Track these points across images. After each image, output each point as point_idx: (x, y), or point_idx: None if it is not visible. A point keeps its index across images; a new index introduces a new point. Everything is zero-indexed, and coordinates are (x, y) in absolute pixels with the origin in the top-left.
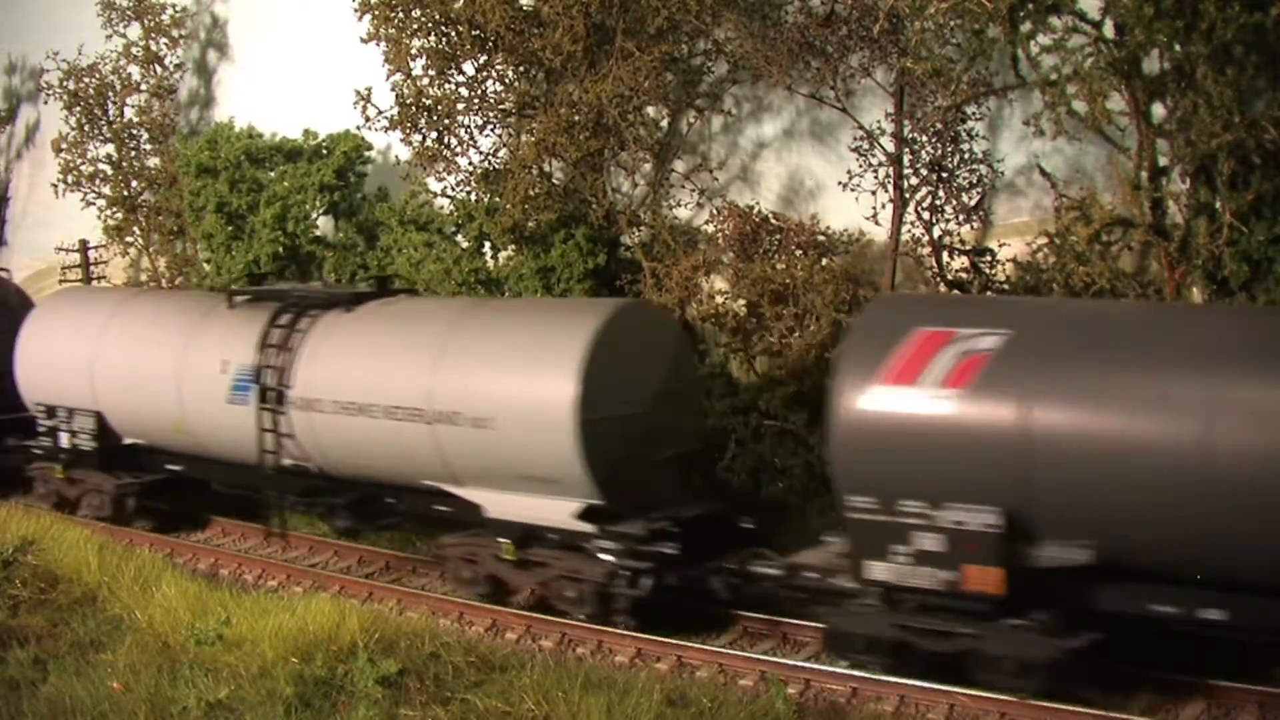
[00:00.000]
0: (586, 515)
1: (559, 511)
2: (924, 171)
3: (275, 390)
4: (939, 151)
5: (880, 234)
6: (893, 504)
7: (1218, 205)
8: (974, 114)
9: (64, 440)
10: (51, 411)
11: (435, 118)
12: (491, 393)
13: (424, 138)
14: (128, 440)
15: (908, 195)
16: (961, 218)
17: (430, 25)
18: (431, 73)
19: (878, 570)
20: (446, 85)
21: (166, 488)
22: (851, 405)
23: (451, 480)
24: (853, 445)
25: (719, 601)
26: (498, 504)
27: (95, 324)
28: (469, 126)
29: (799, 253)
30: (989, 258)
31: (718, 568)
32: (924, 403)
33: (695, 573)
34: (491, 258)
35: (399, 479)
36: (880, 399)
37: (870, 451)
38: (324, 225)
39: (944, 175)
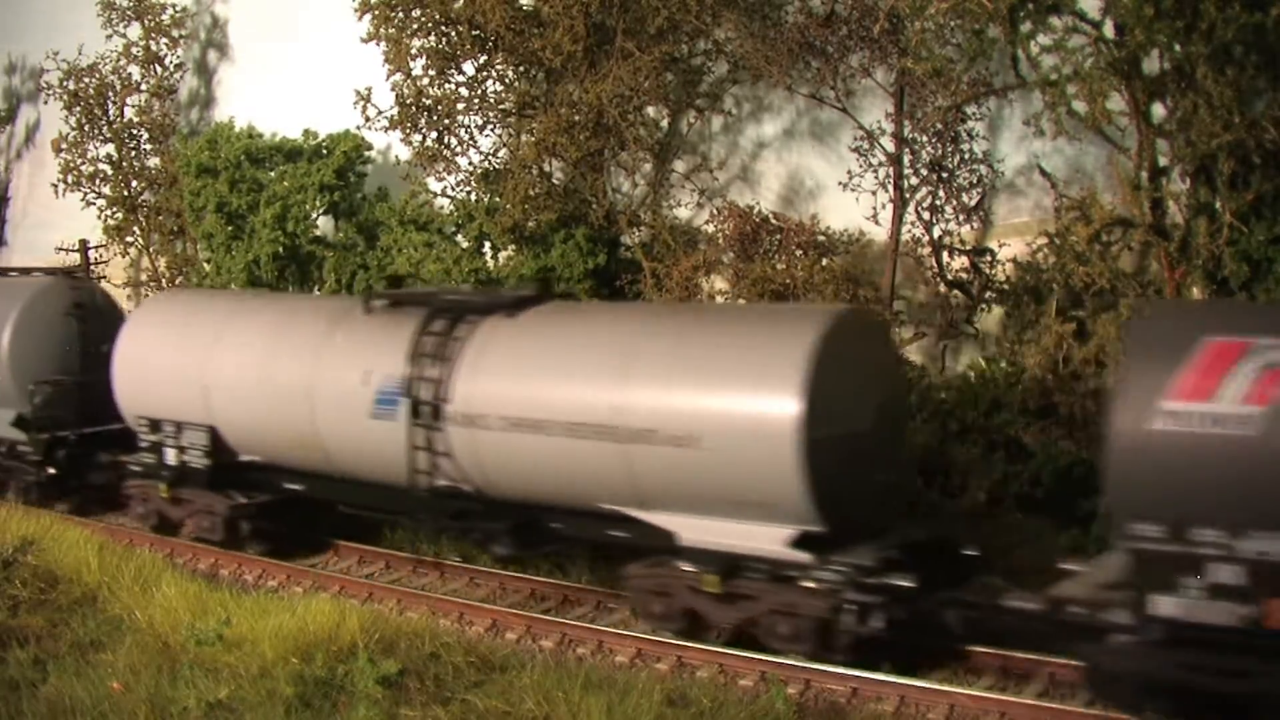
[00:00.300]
0: (800, 543)
1: (769, 539)
2: (924, 171)
3: (431, 405)
4: (939, 151)
5: (880, 234)
6: (1184, 532)
7: (1218, 205)
8: (974, 114)
9: (170, 457)
10: (156, 425)
11: (435, 118)
12: (696, 408)
13: (424, 138)
14: (244, 457)
15: (908, 195)
16: (961, 218)
17: (430, 25)
18: (431, 73)
19: (1164, 605)
20: (446, 85)
21: (282, 509)
22: (1136, 424)
23: (638, 504)
24: (1137, 468)
25: (951, 637)
26: (694, 530)
27: (208, 331)
28: (469, 126)
29: (799, 253)
30: (989, 258)
31: (952, 599)
32: (1222, 421)
33: (926, 605)
34: (491, 258)
35: (572, 502)
36: (1169, 417)
37: (1158, 475)
38: (324, 225)
39: (944, 175)
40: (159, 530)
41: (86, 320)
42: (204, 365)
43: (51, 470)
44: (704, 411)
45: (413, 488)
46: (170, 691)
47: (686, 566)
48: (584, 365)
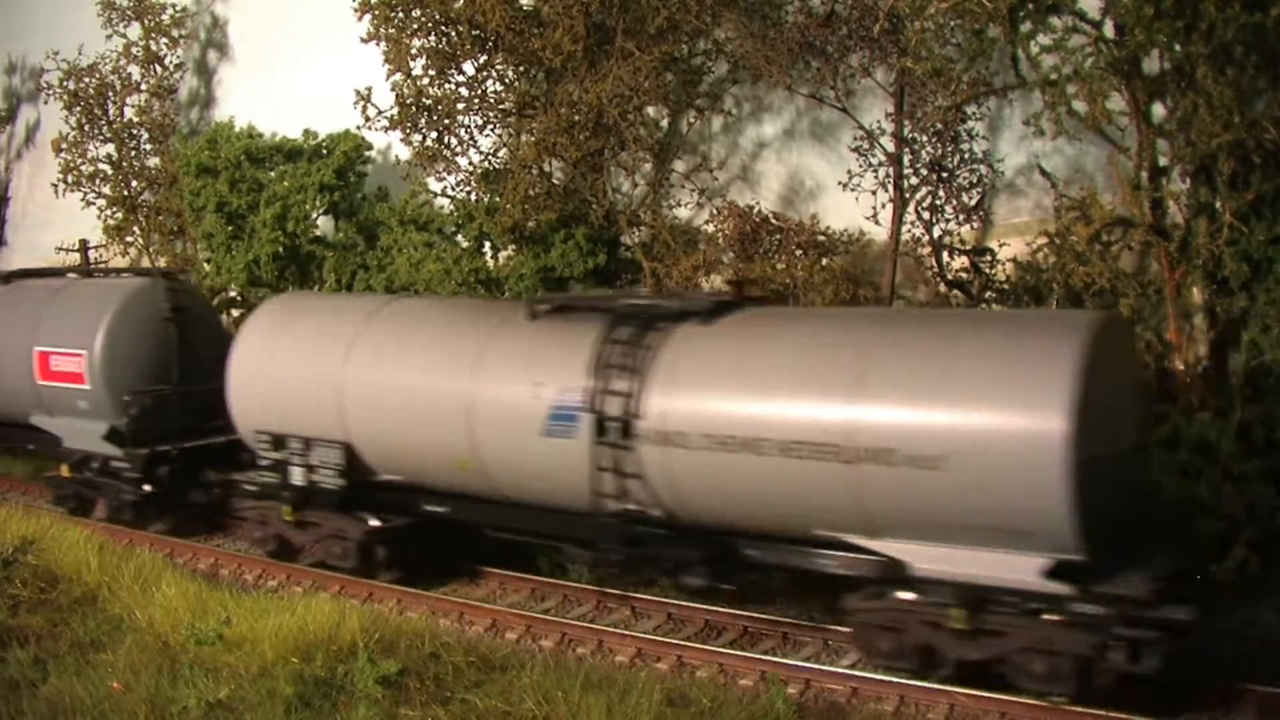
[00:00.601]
0: (1055, 572)
1: (1021, 568)
2: (924, 171)
3: (620, 421)
4: (939, 151)
5: (880, 234)
6: None
7: (1218, 205)
8: (974, 114)
9: (296, 476)
10: (279, 442)
11: (435, 118)
12: (942, 426)
13: (424, 138)
14: (383, 477)
15: (908, 195)
16: (961, 218)
17: (430, 25)
18: (431, 73)
19: None
20: (446, 85)
21: (420, 533)
22: None
23: (864, 530)
24: None
25: (1229, 674)
26: (931, 560)
27: (342, 337)
28: (469, 126)
29: (799, 253)
30: (989, 258)
31: (1228, 633)
32: None
33: (1203, 640)
34: (491, 258)
35: (781, 528)
36: None
37: None
38: (324, 225)
39: (944, 175)
40: (277, 555)
41: (186, 325)
42: (339, 376)
43: (148, 488)
44: (952, 429)
45: (594, 512)
46: (170, 691)
47: (920, 599)
48: (807, 378)
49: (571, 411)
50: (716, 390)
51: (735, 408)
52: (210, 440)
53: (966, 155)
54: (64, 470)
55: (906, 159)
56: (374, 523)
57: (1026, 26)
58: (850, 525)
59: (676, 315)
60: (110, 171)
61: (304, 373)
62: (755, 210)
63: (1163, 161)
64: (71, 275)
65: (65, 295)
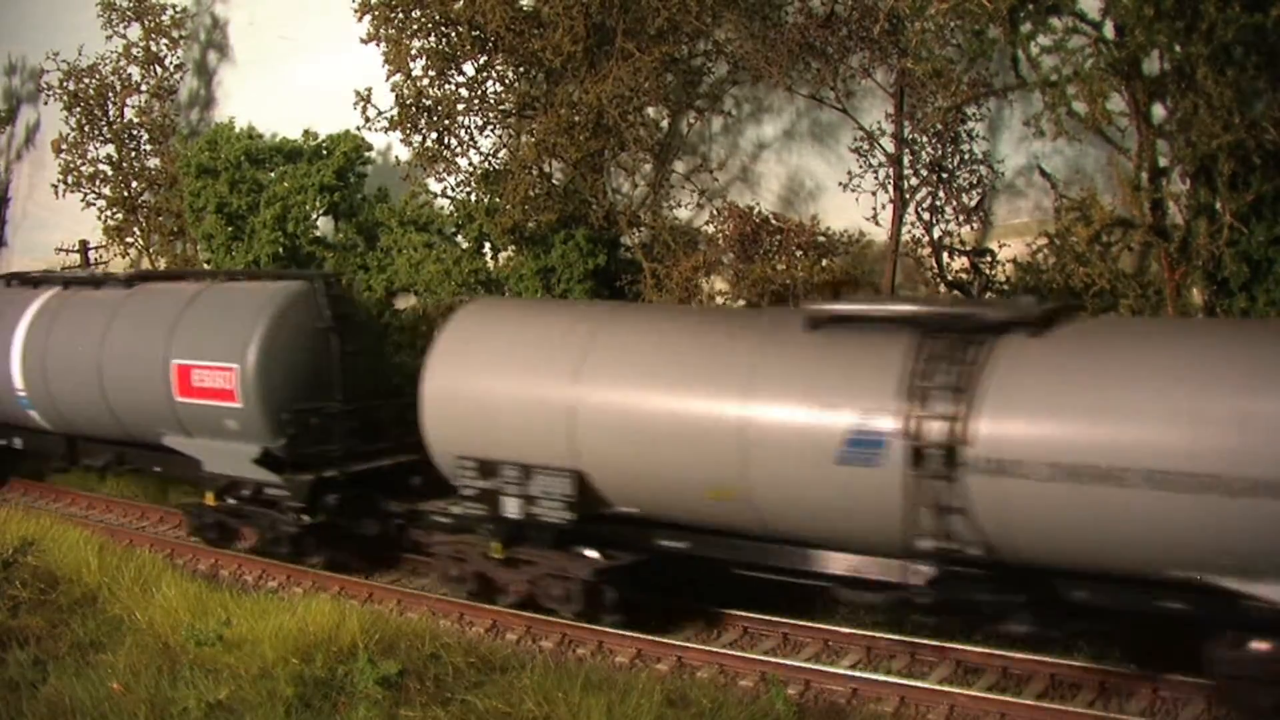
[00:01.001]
0: None
1: None
2: (924, 172)
3: (941, 449)
4: (939, 152)
5: (880, 234)
6: None
7: (1218, 206)
8: (974, 115)
9: (510, 508)
10: (488, 469)
11: (435, 118)
12: None
13: (424, 138)
14: (619, 509)
15: (908, 196)
16: (962, 218)
17: (430, 26)
18: (431, 73)
19: None
20: (446, 86)
21: (646, 571)
22: None
23: (1244, 573)
24: None
25: None
26: None
27: (570, 351)
28: (469, 127)
29: (799, 253)
30: (989, 258)
31: None
32: None
33: None
34: (491, 258)
35: (1131, 568)
36: None
37: None
38: (324, 226)
39: (944, 176)
40: (476, 596)
41: (348, 334)
42: (569, 395)
43: (309, 519)
44: None
45: (898, 551)
46: (170, 692)
47: None
48: (1178, 400)
49: (876, 438)
50: (1065, 413)
51: (1090, 433)
52: (378, 464)
53: (966, 156)
54: (207, 498)
55: (906, 160)
56: (601, 560)
57: (1026, 27)
58: (1223, 566)
59: (1001, 326)
60: (110, 172)
61: (522, 391)
62: (755, 211)
63: (1163, 162)
64: (208, 278)
65: (206, 301)
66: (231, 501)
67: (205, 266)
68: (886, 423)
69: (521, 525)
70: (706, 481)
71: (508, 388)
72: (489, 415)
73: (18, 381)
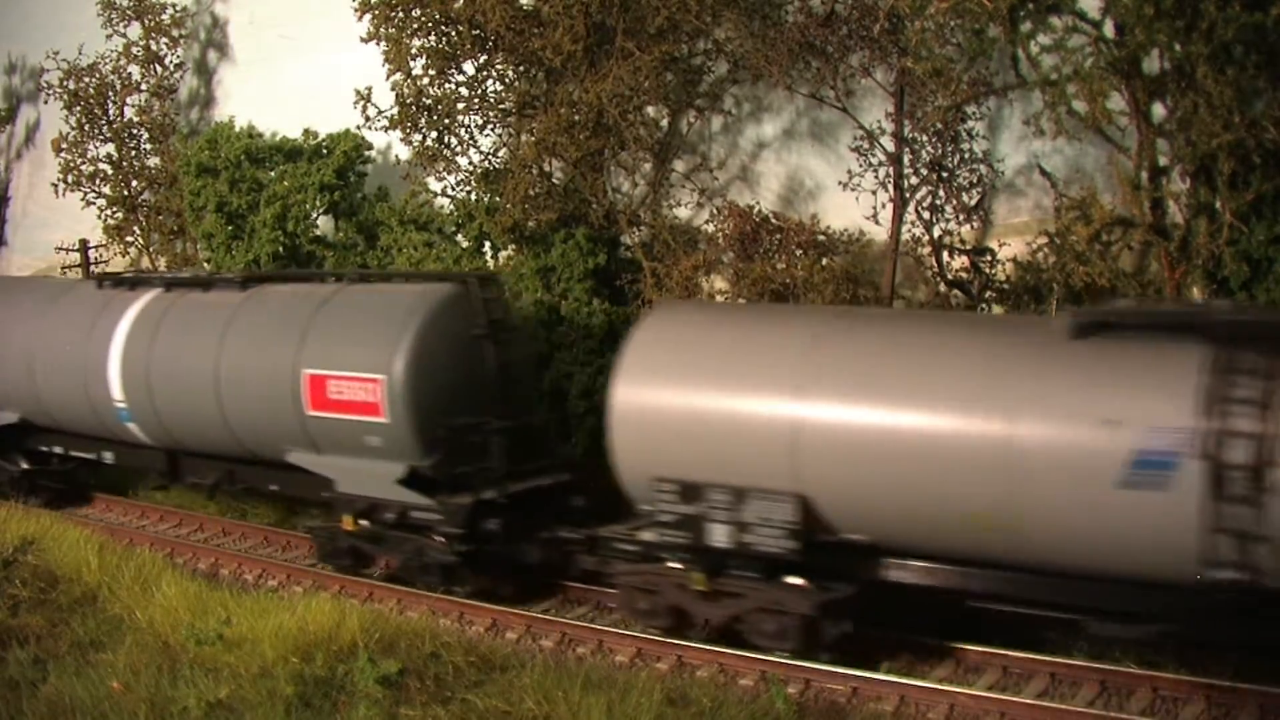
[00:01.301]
0: None
1: None
2: (924, 171)
3: (1244, 470)
4: (939, 151)
5: (880, 234)
6: None
7: (1218, 205)
8: (974, 114)
9: (717, 535)
10: (692, 492)
11: (435, 117)
12: None
13: (424, 137)
14: (848, 536)
15: (908, 195)
16: (961, 217)
17: (430, 25)
18: (431, 72)
19: None
20: (446, 85)
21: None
22: None
23: None
24: None
25: None
26: None
27: (790, 359)
28: (469, 126)
29: (799, 252)
30: (989, 258)
31: None
32: None
33: None
34: (491, 258)
35: None
36: None
37: None
38: (324, 225)
39: (944, 175)
40: (672, 633)
41: (504, 342)
42: (791, 411)
43: (464, 547)
44: None
45: (1200, 583)
46: (170, 691)
47: None
48: None
49: (1166, 458)
50: None
51: None
52: (536, 483)
53: (966, 155)
54: (345, 522)
55: (906, 159)
56: (820, 592)
57: (1026, 26)
58: None
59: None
60: (110, 171)
61: (733, 406)
62: (755, 210)
63: (1163, 161)
64: (335, 279)
65: (342, 305)
66: (372, 525)
67: (205, 266)
68: (1179, 442)
69: (729, 554)
70: (959, 508)
71: (715, 402)
72: (693, 433)
73: (116, 392)
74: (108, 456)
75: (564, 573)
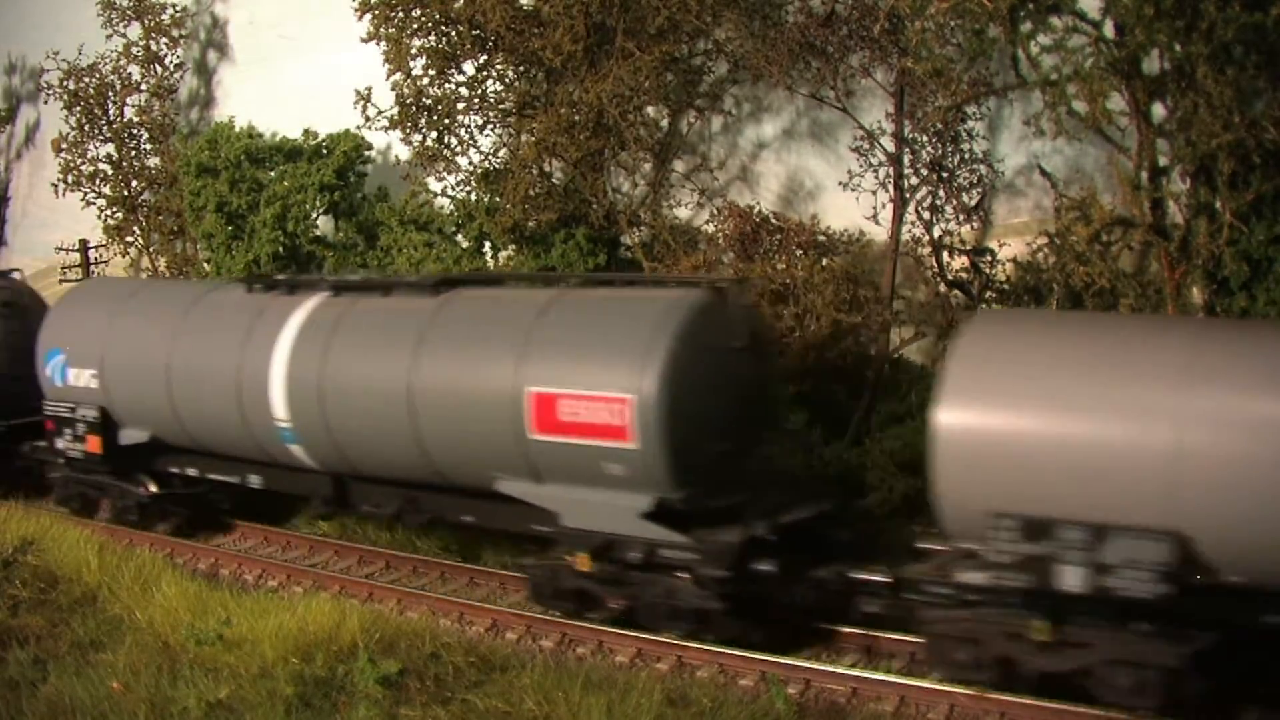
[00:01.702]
0: None
1: None
2: (924, 171)
3: None
4: (939, 151)
5: (880, 234)
6: None
7: (1218, 205)
8: (974, 114)
9: (1070, 579)
10: (1038, 529)
11: (435, 118)
12: None
13: (424, 137)
14: (1228, 579)
15: (908, 195)
16: (961, 218)
17: (430, 25)
18: (431, 72)
19: None
20: (446, 85)
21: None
22: None
23: None
24: None
25: None
26: None
27: (1164, 376)
28: (469, 126)
29: (799, 253)
30: (989, 258)
31: None
32: None
33: None
34: (492, 258)
35: None
36: None
37: None
38: (324, 225)
39: (944, 175)
40: (995, 687)
41: (759, 358)
42: (1169, 436)
43: (728, 591)
44: None
45: None
46: (170, 691)
47: None
48: None
49: None
50: None
51: None
52: (798, 515)
53: (966, 155)
54: (581, 561)
55: (906, 159)
56: (1178, 640)
57: (1026, 26)
58: None
59: None
60: (110, 171)
61: (1093, 431)
62: (755, 210)
63: (1163, 161)
64: (547, 283)
65: (569, 314)
66: (610, 564)
67: (205, 266)
68: None
69: (1080, 600)
70: None
71: (1070, 426)
72: (1042, 461)
73: (279, 410)
74: (254, 480)
75: (840, 617)
